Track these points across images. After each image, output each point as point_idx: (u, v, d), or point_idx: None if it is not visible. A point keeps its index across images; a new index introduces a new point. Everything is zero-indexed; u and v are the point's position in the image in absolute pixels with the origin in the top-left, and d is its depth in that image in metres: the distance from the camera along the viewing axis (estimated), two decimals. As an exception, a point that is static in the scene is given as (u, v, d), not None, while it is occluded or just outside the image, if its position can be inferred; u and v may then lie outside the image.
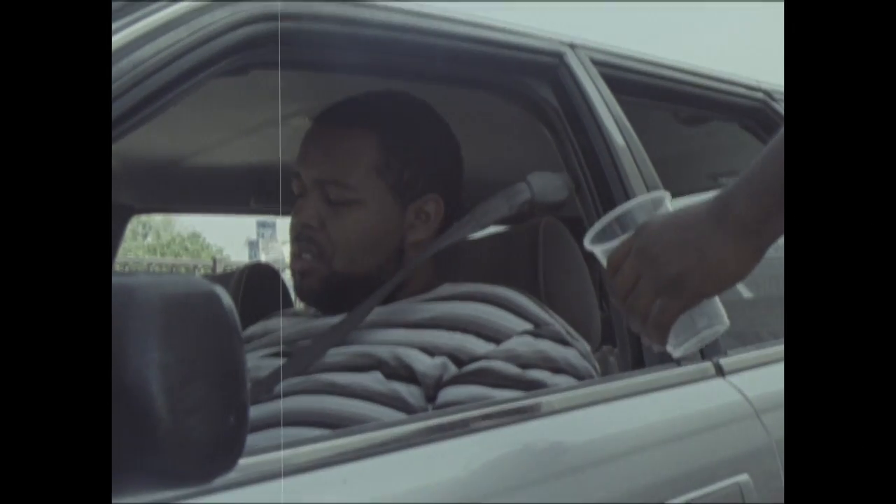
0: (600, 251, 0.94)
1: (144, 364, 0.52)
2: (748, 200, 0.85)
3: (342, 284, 1.26)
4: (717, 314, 0.93)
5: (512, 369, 1.16)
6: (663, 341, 0.91)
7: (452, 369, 1.15)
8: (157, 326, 0.53)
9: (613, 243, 0.92)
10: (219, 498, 0.67)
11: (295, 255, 1.29)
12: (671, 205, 0.94)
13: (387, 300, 1.24)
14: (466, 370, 1.15)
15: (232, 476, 0.64)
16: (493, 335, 1.19)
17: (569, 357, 1.21)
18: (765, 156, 0.86)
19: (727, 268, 0.87)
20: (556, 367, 1.18)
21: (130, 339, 0.53)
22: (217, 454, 0.54)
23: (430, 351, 1.16)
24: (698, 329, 0.91)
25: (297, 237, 1.29)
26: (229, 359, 0.55)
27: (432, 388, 1.15)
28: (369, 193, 1.27)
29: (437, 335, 1.18)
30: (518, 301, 1.24)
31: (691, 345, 0.92)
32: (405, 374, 1.15)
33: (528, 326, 1.21)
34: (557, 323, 1.24)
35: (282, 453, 0.75)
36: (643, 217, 0.92)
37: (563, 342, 1.22)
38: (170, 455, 0.52)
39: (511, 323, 1.20)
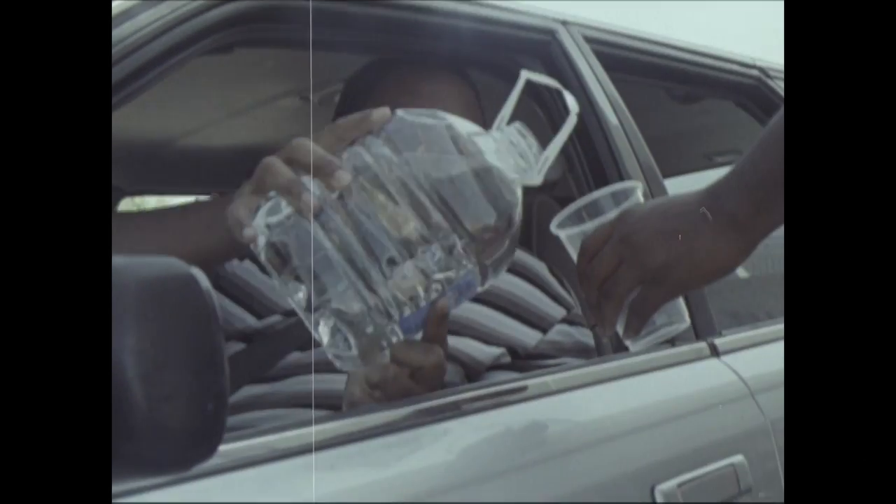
0: (567, 235, 0.92)
1: (119, 349, 0.50)
2: (739, 195, 0.84)
3: None
4: (677, 311, 0.92)
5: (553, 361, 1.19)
6: (639, 330, 0.90)
7: (507, 360, 1.18)
8: (131, 310, 0.51)
9: (585, 227, 0.90)
10: (198, 485, 0.66)
11: None
12: (642, 196, 0.92)
13: None
14: (519, 362, 1.18)
15: (214, 462, 0.62)
16: (538, 322, 1.21)
17: (590, 340, 1.24)
18: (756, 149, 0.84)
19: (715, 261, 0.86)
20: (587, 354, 1.23)
21: (105, 323, 0.51)
22: (195, 442, 0.53)
23: (486, 339, 1.17)
24: (657, 325, 0.90)
25: None
26: (207, 344, 0.53)
27: (477, 372, 1.15)
28: None
29: (491, 318, 1.19)
30: (547, 279, 1.25)
31: (649, 340, 0.92)
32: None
33: (563, 312, 1.24)
34: (572, 297, 1.26)
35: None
36: (610, 207, 0.90)
37: (585, 325, 1.25)
38: (146, 442, 0.51)
39: (550, 308, 1.23)
